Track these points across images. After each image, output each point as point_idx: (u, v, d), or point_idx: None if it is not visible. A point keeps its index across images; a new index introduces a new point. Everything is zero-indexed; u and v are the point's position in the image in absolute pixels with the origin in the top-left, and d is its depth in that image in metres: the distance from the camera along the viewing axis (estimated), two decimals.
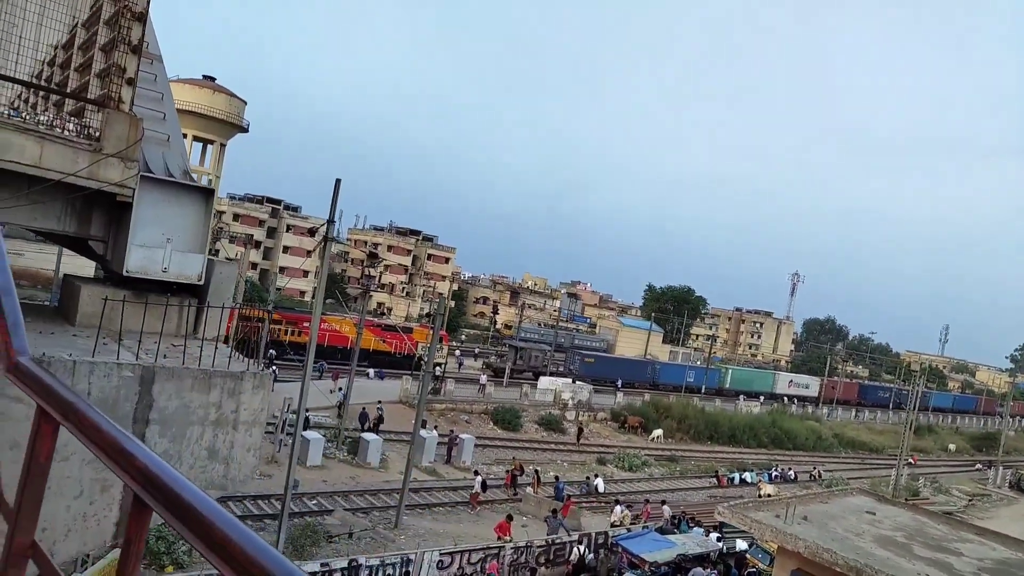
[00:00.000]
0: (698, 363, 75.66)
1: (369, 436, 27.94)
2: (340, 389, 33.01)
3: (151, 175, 9.51)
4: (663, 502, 27.16)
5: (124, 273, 9.36)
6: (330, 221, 17.43)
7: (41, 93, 13.74)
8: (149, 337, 8.72)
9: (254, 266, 72.70)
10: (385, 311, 78.59)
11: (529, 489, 26.94)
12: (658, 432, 43.26)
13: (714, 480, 35.75)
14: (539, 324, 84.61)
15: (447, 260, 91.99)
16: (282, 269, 74.71)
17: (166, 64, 12.94)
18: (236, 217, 76.00)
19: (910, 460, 45.08)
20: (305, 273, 72.44)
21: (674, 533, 22.14)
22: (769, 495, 29.49)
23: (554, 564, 18.69)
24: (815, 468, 42.69)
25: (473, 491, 24.78)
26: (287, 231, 79.02)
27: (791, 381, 74.76)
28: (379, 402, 32.57)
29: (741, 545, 22.30)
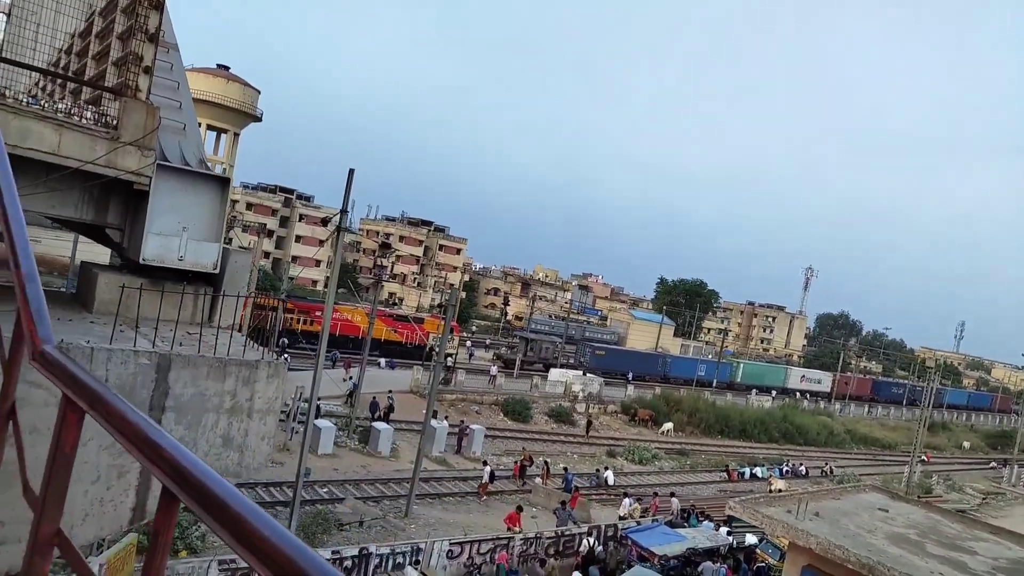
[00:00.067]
0: (710, 357, 75.29)
1: (380, 425, 28.12)
2: (351, 378, 33.21)
3: (167, 164, 9.55)
4: (672, 494, 27.15)
5: (141, 261, 9.42)
6: (343, 211, 17.47)
7: (58, 81, 13.83)
8: (165, 325, 8.79)
9: (267, 255, 73.17)
10: (397, 301, 78.86)
11: (538, 480, 27.02)
12: (668, 425, 43.16)
13: (724, 474, 35.66)
14: (550, 316, 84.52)
15: (459, 251, 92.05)
16: (294, 258, 75.14)
17: (181, 53, 12.98)
18: (249, 206, 76.44)
19: (923, 457, 44.67)
20: (317, 262, 72.83)
21: (684, 526, 22.13)
22: (780, 490, 29.37)
23: (563, 556, 18.74)
24: (827, 464, 42.44)
25: (482, 481, 24.90)
26: (300, 220, 79.40)
27: (803, 376, 74.26)
28: (390, 392, 32.75)
29: (751, 539, 22.25)
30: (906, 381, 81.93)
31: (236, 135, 69.28)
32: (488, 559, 17.17)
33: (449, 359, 40.35)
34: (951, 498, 33.15)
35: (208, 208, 9.80)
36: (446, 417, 32.23)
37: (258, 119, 69.53)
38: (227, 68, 67.37)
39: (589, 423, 39.51)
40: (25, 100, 9.88)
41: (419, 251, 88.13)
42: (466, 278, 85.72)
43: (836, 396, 69.97)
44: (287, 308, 38.49)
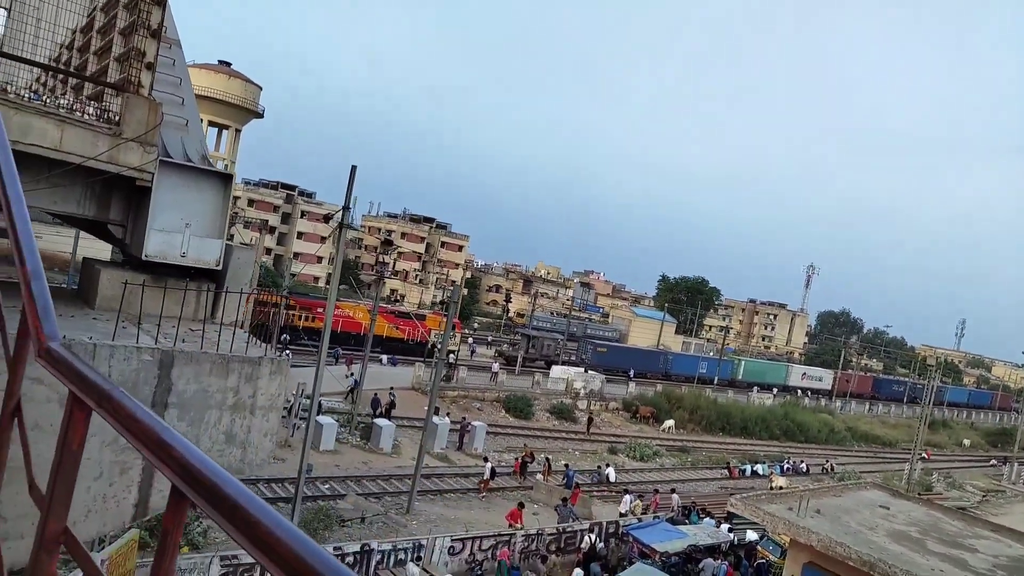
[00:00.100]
0: (711, 354, 75.28)
1: (382, 422, 28.14)
2: (352, 375, 33.23)
3: (170, 160, 9.52)
4: (672, 490, 27.18)
5: (143, 257, 9.40)
6: (345, 208, 17.44)
7: (59, 77, 13.80)
8: (167, 321, 8.77)
9: (268, 251, 73.21)
10: (398, 298, 78.90)
11: (539, 477, 27.04)
12: (670, 423, 43.17)
13: (725, 472, 35.66)
14: (552, 313, 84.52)
15: (460, 248, 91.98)
16: (296, 255, 75.16)
17: (183, 49, 12.94)
18: (251, 202, 76.40)
19: (924, 455, 44.65)
20: (319, 259, 72.84)
21: (685, 523, 22.14)
22: (781, 487, 29.39)
23: (565, 552, 18.77)
24: (827, 461, 42.43)
25: (484, 478, 24.93)
26: (301, 217, 79.34)
27: (804, 373, 74.21)
28: (391, 388, 32.76)
29: (751, 536, 22.27)
30: (907, 379, 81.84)
31: (238, 131, 69.25)
32: (490, 555, 17.19)
33: (451, 356, 40.35)
34: (952, 495, 33.20)
35: (211, 204, 9.78)
36: (448, 414, 32.25)
37: (260, 115, 69.47)
38: (228, 64, 67.27)
39: (590, 420, 39.52)
40: (27, 96, 9.86)
41: (421, 248, 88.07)
42: (468, 275, 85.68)
43: (837, 394, 69.95)
44: (289, 305, 38.49)
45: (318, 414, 23.25)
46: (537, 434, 35.75)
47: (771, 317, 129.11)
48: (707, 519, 23.58)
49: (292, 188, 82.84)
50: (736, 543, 21.50)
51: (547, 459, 29.03)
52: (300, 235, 78.53)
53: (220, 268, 9.85)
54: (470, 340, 60.16)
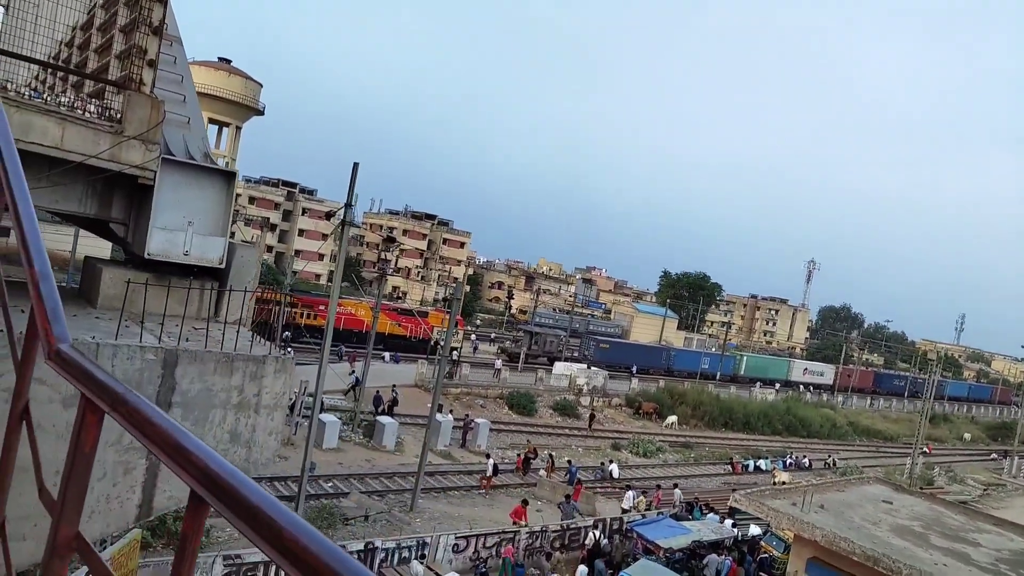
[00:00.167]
0: (713, 350, 75.28)
1: (385, 419, 28.15)
2: (354, 372, 33.25)
3: (172, 157, 9.48)
4: (675, 485, 27.19)
5: (146, 256, 9.35)
6: (348, 205, 17.40)
7: (58, 74, 13.73)
8: (170, 320, 8.73)
9: (270, 249, 73.19)
10: (400, 295, 78.87)
11: (542, 473, 27.05)
12: (672, 418, 43.20)
13: (728, 467, 35.69)
14: (554, 309, 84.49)
15: (462, 244, 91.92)
16: (298, 252, 75.12)
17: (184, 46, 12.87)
18: (252, 200, 76.34)
19: (925, 449, 44.66)
20: (321, 256, 72.82)
21: (688, 519, 22.16)
22: (784, 483, 29.39)
23: (569, 549, 18.77)
24: (829, 456, 42.47)
25: (486, 474, 24.93)
26: (303, 214, 79.29)
27: (806, 369, 74.22)
28: (394, 386, 32.77)
29: (754, 530, 22.28)
30: (907, 373, 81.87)
31: (238, 129, 69.18)
32: (494, 553, 17.20)
33: (454, 353, 40.35)
34: (953, 489, 33.21)
35: (214, 202, 9.73)
36: (451, 411, 32.26)
37: (260, 113, 69.38)
38: (229, 61, 67.15)
39: (592, 416, 39.54)
40: (27, 93, 9.81)
41: (423, 245, 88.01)
42: (470, 272, 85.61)
43: (838, 388, 69.98)
44: (291, 302, 38.49)
45: (320, 412, 23.25)
46: (540, 431, 35.76)
47: (772, 312, 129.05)
48: (710, 515, 23.59)
49: (293, 185, 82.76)
50: (740, 539, 21.51)
51: (550, 456, 29.05)
52: (301, 232, 78.49)
53: (223, 266, 9.80)
54: (472, 337, 60.16)
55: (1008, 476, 40.51)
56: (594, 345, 57.77)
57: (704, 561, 18.44)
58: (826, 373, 74.17)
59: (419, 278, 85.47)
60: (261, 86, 68.68)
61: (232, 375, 8.08)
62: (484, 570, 16.19)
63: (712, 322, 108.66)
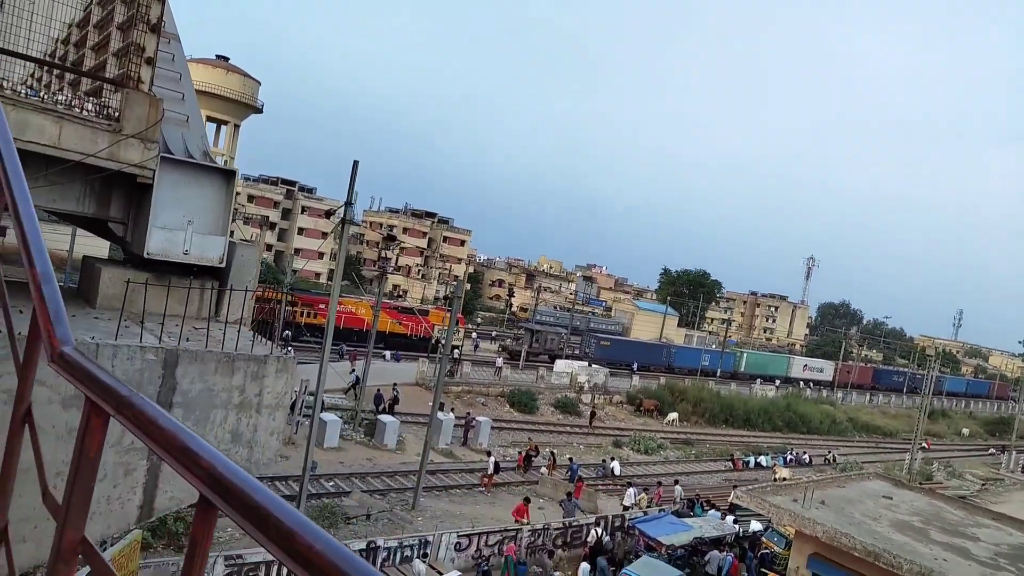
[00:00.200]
0: (713, 347, 75.31)
1: (386, 418, 28.12)
2: (354, 371, 33.22)
3: (171, 156, 9.43)
4: (676, 481, 27.21)
5: (145, 255, 9.31)
6: (348, 203, 17.36)
7: (55, 72, 13.66)
8: (170, 320, 8.70)
9: (269, 247, 73.10)
10: (401, 293, 78.82)
11: (544, 470, 27.05)
12: (673, 415, 43.23)
13: (729, 464, 35.72)
14: (555, 307, 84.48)
15: (463, 243, 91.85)
16: (297, 251, 75.03)
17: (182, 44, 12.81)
18: (251, 198, 76.23)
19: (924, 445, 44.73)
20: (321, 255, 72.75)
21: (690, 515, 22.17)
22: (784, 479, 29.41)
23: (571, 546, 18.78)
24: (830, 452, 42.54)
25: (487, 472, 24.93)
26: (302, 213, 79.18)
27: (806, 365, 74.28)
28: (395, 384, 32.75)
29: (755, 526, 22.31)
30: (906, 369, 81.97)
31: (236, 127, 68.98)
32: (496, 551, 17.19)
33: (455, 351, 40.32)
34: (951, 484, 33.23)
35: (213, 201, 9.69)
36: (452, 409, 32.25)
37: (259, 110, 69.18)
38: (227, 59, 66.93)
39: (593, 414, 39.56)
40: (24, 92, 9.75)
41: (423, 243, 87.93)
42: (470, 270, 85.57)
43: (838, 385, 70.03)
44: (291, 301, 38.43)
45: (321, 411, 23.23)
46: (542, 428, 35.77)
47: (772, 309, 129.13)
48: (712, 511, 23.61)
49: (292, 184, 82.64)
50: (741, 535, 21.53)
51: (552, 453, 29.05)
52: (301, 231, 78.39)
53: (224, 265, 9.77)
54: (474, 335, 60.15)
55: (1006, 471, 40.54)
56: (595, 343, 57.75)
57: (706, 557, 18.46)
58: (826, 369, 74.23)
59: (419, 276, 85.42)
60: (259, 84, 68.49)
61: (233, 375, 8.06)
62: (486, 568, 16.18)
63: (712, 319, 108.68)
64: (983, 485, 31.64)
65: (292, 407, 25.14)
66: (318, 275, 74.29)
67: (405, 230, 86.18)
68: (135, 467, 7.43)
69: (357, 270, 69.88)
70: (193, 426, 8.02)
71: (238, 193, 73.16)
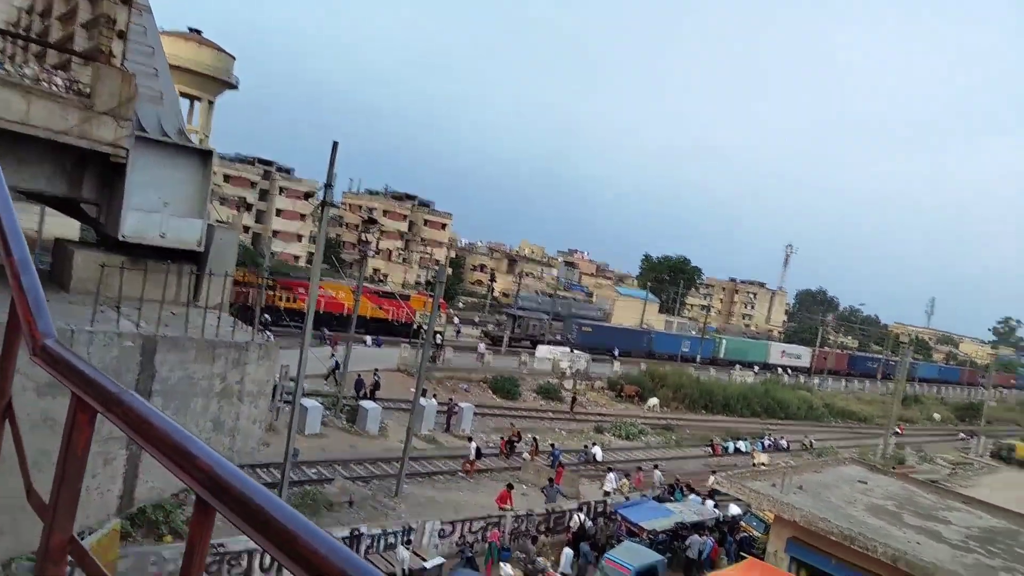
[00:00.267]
0: (693, 333, 76.12)
1: (368, 404, 27.96)
2: (334, 356, 32.93)
3: (145, 135, 9.12)
4: (655, 467, 27.53)
5: (120, 238, 9.03)
6: (328, 185, 17.06)
7: (19, 43, 13.10)
8: (147, 305, 8.47)
9: (246, 229, 71.81)
10: (381, 278, 78.21)
11: (526, 456, 27.19)
12: (654, 401, 43.67)
13: (709, 449, 36.24)
14: (536, 292, 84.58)
15: (444, 226, 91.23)
16: (275, 233, 73.88)
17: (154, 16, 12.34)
18: (227, 178, 74.58)
19: (897, 430, 45.85)
20: (299, 237, 71.73)
21: (670, 500, 22.49)
22: (763, 464, 29.97)
23: (554, 532, 18.94)
24: (807, 437, 43.37)
25: (469, 458, 24.98)
26: (280, 193, 77.83)
27: (784, 351, 75.50)
28: (376, 370, 32.56)
29: (734, 510, 22.71)
30: (880, 356, 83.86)
31: (211, 103, 67.13)
32: (480, 537, 17.26)
33: (438, 337, 40.14)
34: (923, 469, 34.13)
35: (190, 182, 9.42)
36: (434, 395, 32.18)
37: (234, 87, 67.31)
38: (199, 32, 64.91)
39: (574, 399, 39.80)
40: None
41: (404, 226, 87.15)
42: (452, 254, 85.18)
43: (815, 371, 71.37)
44: (270, 285, 37.88)
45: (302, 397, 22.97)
46: (524, 414, 35.89)
47: (751, 296, 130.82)
48: (692, 496, 23.97)
49: (269, 164, 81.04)
50: (721, 519, 21.91)
51: (534, 439, 29.18)
52: (279, 212, 77.12)
53: (202, 249, 9.53)
54: (456, 320, 60.00)
55: (975, 455, 41.78)
56: (577, 328, 57.99)
57: (687, 542, 18.75)
58: (803, 356, 75.55)
59: (400, 260, 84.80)
60: (234, 58, 66.51)
61: (214, 362, 7.88)
62: (470, 555, 16.25)
63: (692, 305, 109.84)
64: (953, 469, 32.55)
65: (273, 393, 24.87)
66: (297, 258, 73.33)
67: (385, 212, 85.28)
68: (115, 456, 7.26)
69: (337, 253, 69.01)
70: (173, 415, 7.85)
71: (215, 173, 71.73)
